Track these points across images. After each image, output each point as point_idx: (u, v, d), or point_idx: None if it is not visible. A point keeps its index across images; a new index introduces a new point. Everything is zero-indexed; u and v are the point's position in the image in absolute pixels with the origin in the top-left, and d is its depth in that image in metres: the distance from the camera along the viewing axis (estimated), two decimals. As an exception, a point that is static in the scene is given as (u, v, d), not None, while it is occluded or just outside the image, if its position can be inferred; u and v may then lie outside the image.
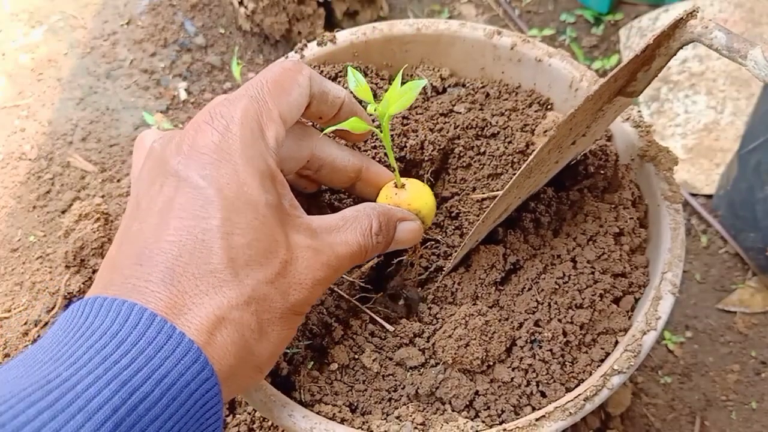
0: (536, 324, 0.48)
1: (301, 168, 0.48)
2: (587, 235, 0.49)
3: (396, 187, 0.49)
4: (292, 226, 0.39)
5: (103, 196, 0.89)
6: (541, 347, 0.47)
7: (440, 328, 0.49)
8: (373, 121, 0.49)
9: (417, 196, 0.48)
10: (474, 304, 0.49)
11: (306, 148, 0.47)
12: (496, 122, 0.57)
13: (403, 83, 0.62)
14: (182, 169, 0.37)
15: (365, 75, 0.60)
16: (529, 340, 0.47)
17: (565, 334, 0.46)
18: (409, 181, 0.49)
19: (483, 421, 0.45)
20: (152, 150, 0.40)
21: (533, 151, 0.49)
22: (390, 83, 0.61)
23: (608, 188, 0.52)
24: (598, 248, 0.49)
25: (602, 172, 0.52)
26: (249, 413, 0.68)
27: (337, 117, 0.47)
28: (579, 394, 0.43)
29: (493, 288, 0.50)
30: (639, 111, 0.54)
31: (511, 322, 0.48)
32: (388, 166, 0.53)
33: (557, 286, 0.48)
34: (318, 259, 0.39)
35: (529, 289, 0.49)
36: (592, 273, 0.48)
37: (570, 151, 0.47)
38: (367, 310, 0.52)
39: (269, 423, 0.67)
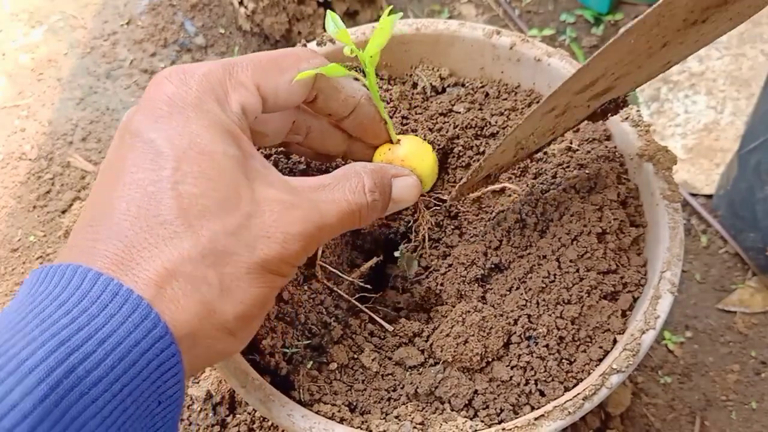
0: (529, 319, 0.48)
1: (289, 134, 0.45)
2: (571, 236, 0.49)
3: (392, 143, 0.46)
4: (261, 181, 0.37)
5: (103, 196, 0.89)
6: (537, 343, 0.47)
7: (438, 327, 0.49)
8: (355, 67, 0.48)
9: (413, 152, 0.46)
10: (467, 302, 0.49)
11: (289, 111, 0.44)
12: (496, 122, 0.57)
13: (402, 83, 0.62)
14: (136, 125, 0.35)
15: (365, 74, 0.60)
16: (524, 336, 0.47)
17: (557, 328, 0.47)
18: (406, 137, 0.47)
19: (482, 421, 0.45)
20: (122, 120, 0.38)
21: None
22: (389, 83, 0.61)
23: (594, 188, 0.52)
24: (581, 247, 0.49)
25: (586, 172, 0.52)
26: (249, 413, 0.68)
27: (352, 118, 0.44)
28: (578, 393, 0.43)
29: (476, 284, 0.50)
30: (638, 110, 0.54)
31: (506, 318, 0.48)
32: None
33: (544, 285, 0.48)
34: (292, 213, 0.36)
35: (517, 288, 0.49)
36: (577, 271, 0.48)
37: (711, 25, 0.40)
38: (367, 310, 0.52)
39: (269, 423, 0.67)
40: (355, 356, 0.49)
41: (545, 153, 0.56)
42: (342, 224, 0.39)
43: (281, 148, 0.55)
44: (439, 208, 0.54)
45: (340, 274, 0.52)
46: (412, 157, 0.45)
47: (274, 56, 0.40)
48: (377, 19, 1.04)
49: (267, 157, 0.56)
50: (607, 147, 0.54)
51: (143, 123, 0.35)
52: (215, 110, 0.36)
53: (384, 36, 0.42)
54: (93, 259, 0.32)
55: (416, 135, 0.56)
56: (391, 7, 0.45)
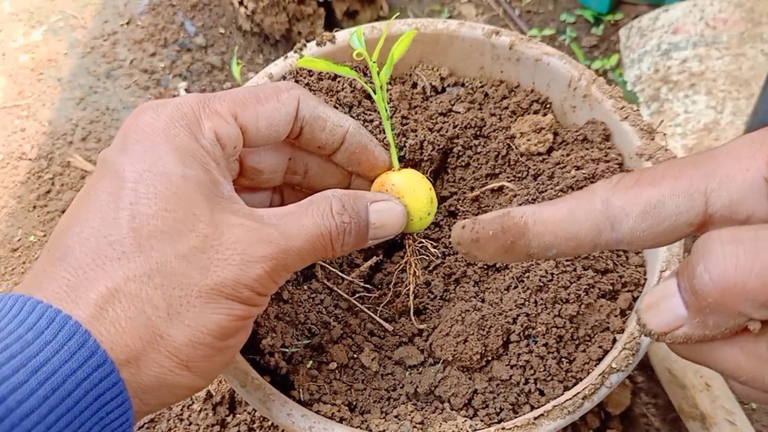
0: (528, 318, 0.48)
1: (287, 173, 0.46)
2: None
3: (393, 171, 0.45)
4: (224, 208, 0.36)
5: (103, 196, 0.88)
6: (536, 342, 0.47)
7: (437, 326, 0.49)
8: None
9: (407, 182, 0.43)
10: (466, 301, 0.49)
11: (284, 149, 0.45)
12: (495, 122, 0.57)
13: (402, 83, 0.62)
14: (105, 155, 0.36)
15: (364, 75, 0.60)
16: (524, 335, 0.47)
17: (556, 326, 0.47)
18: (409, 170, 0.45)
19: (481, 420, 0.45)
20: None
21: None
22: (389, 83, 0.61)
23: None
24: None
25: (583, 172, 0.52)
26: (249, 413, 0.68)
27: (343, 149, 0.44)
28: (578, 393, 0.43)
29: (475, 284, 0.50)
30: (638, 110, 0.54)
31: (505, 317, 0.48)
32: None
33: (542, 284, 0.48)
34: (254, 235, 0.35)
35: (515, 287, 0.49)
36: (574, 270, 0.48)
37: None
38: (366, 310, 0.52)
39: (269, 423, 0.67)
40: (355, 356, 0.49)
41: (544, 153, 0.56)
42: (313, 249, 0.38)
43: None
44: (428, 258, 0.53)
45: (339, 273, 0.52)
46: (404, 186, 0.43)
47: (251, 89, 0.40)
48: (377, 19, 1.04)
49: None
50: (605, 147, 0.54)
51: (112, 152, 0.36)
52: (183, 135, 0.36)
53: (401, 50, 0.43)
54: (41, 286, 0.31)
55: (415, 134, 0.56)
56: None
